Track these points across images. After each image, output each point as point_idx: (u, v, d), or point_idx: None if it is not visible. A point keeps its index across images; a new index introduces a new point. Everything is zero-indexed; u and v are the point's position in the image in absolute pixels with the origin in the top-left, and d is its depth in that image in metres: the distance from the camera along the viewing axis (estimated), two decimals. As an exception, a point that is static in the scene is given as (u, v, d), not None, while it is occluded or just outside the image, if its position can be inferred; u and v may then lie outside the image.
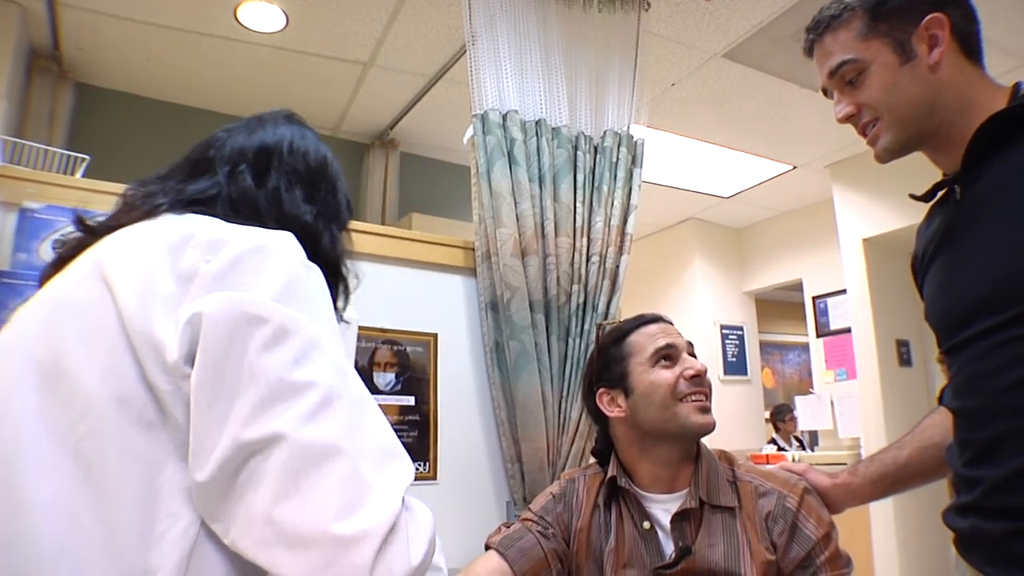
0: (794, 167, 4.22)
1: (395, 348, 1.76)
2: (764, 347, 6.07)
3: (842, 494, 1.14)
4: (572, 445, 1.80)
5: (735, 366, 5.03)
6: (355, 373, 0.61)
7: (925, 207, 1.01)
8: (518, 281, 1.79)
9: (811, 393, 4.49)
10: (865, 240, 3.87)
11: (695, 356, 1.19)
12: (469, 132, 1.94)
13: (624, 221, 2.02)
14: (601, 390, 1.20)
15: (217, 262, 0.59)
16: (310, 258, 0.65)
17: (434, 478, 1.74)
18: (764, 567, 1.04)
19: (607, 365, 1.21)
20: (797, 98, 3.35)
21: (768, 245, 5.16)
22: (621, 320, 1.31)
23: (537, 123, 1.95)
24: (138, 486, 0.55)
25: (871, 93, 0.92)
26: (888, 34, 0.91)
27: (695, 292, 5.08)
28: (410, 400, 1.76)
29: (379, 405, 0.61)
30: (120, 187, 0.77)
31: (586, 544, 1.15)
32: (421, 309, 1.83)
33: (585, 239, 1.94)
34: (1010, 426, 0.81)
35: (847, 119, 0.97)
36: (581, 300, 1.90)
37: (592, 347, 1.34)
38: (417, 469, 1.71)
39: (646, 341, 1.18)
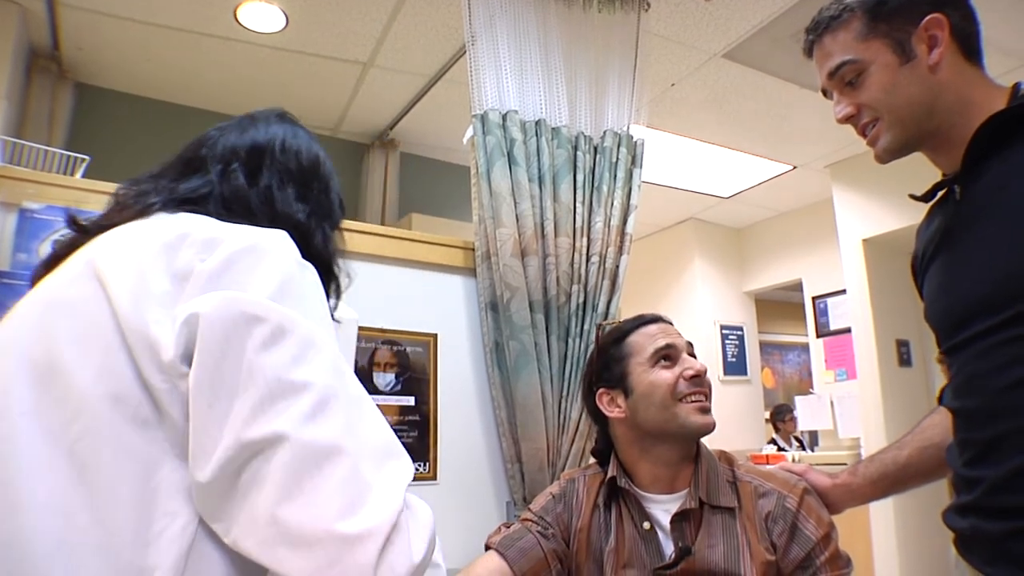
0: (794, 167, 4.22)
1: (395, 348, 1.76)
2: (764, 347, 6.07)
3: (842, 494, 1.14)
4: (572, 445, 1.80)
5: (735, 366, 5.03)
6: (351, 371, 0.61)
7: (925, 207, 1.01)
8: (518, 281, 1.79)
9: (811, 393, 4.49)
10: (865, 240, 3.88)
11: (695, 356, 1.19)
12: (469, 132, 1.94)
13: (624, 221, 2.02)
14: (601, 390, 1.20)
15: (212, 261, 0.59)
16: (303, 257, 0.66)
17: (434, 478, 1.74)
18: (764, 567, 1.04)
19: (607, 365, 1.21)
20: (797, 98, 3.35)
21: (768, 245, 5.16)
22: (621, 320, 1.31)
23: (537, 123, 1.95)
24: (133, 485, 0.55)
25: (871, 94, 0.93)
26: (888, 35, 0.91)
27: (695, 292, 5.09)
28: (410, 400, 1.76)
29: (379, 405, 0.62)
30: (119, 187, 0.77)
31: (586, 544, 1.15)
32: (421, 309, 1.83)
33: (585, 239, 1.94)
34: (1010, 426, 0.81)
35: (847, 120, 0.97)
36: (581, 300, 1.90)
37: (592, 347, 1.34)
38: (417, 469, 1.71)
39: (646, 341, 1.18)
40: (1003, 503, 0.82)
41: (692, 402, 1.13)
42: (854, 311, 3.88)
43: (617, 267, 1.97)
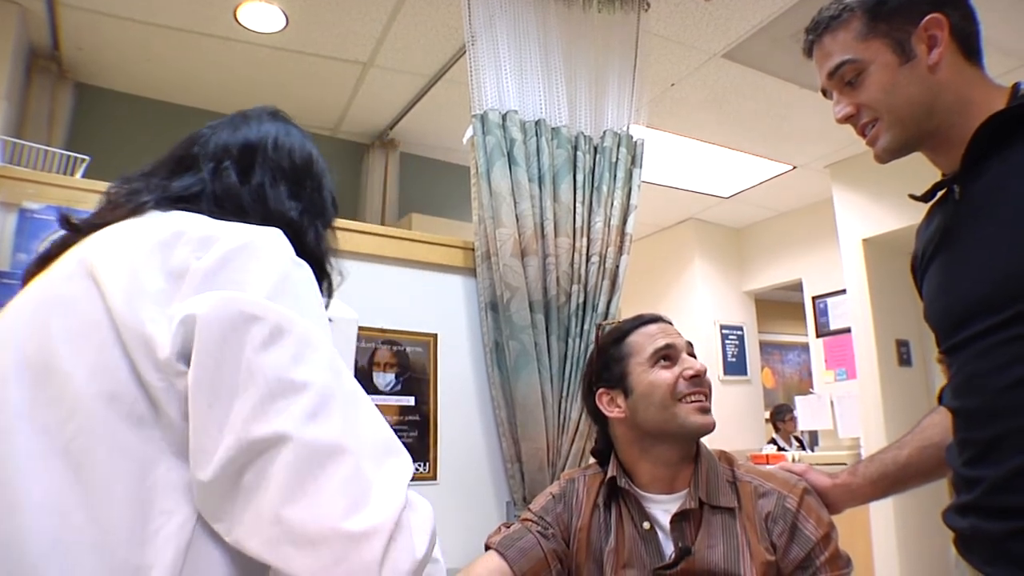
0: (794, 167, 4.22)
1: (395, 348, 1.76)
2: (764, 347, 6.07)
3: (842, 494, 1.14)
4: (572, 445, 1.80)
5: (735, 366, 5.03)
6: (347, 369, 0.62)
7: (924, 207, 1.01)
8: (518, 281, 1.79)
9: (811, 393, 4.49)
10: (865, 240, 3.88)
11: (695, 356, 1.18)
12: (469, 132, 1.94)
13: (624, 221, 2.02)
14: (600, 390, 1.20)
15: (208, 259, 0.59)
16: (296, 255, 0.66)
17: (434, 478, 1.74)
18: (764, 568, 1.04)
19: (606, 365, 1.21)
20: (797, 98, 3.35)
21: (768, 245, 5.16)
22: (620, 320, 1.31)
23: (537, 123, 1.95)
24: (129, 483, 0.55)
25: (870, 93, 0.93)
26: (887, 34, 0.91)
27: (695, 292, 5.08)
28: (410, 400, 1.76)
29: (379, 405, 0.62)
30: (120, 187, 0.77)
31: (586, 544, 1.15)
32: (421, 309, 1.83)
33: (585, 239, 1.94)
34: (1010, 425, 0.81)
35: (846, 119, 0.97)
36: (581, 300, 1.90)
37: (592, 347, 1.34)
38: (417, 469, 1.71)
39: (645, 341, 1.18)
40: (1003, 503, 0.82)
41: (692, 402, 1.12)
42: (854, 311, 3.89)
43: (617, 267, 1.97)
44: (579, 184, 1.96)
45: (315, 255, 0.74)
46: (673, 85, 3.23)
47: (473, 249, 1.91)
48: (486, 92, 1.91)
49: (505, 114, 1.91)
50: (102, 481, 0.55)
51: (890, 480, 1.12)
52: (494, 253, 1.82)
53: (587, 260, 1.93)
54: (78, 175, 1.86)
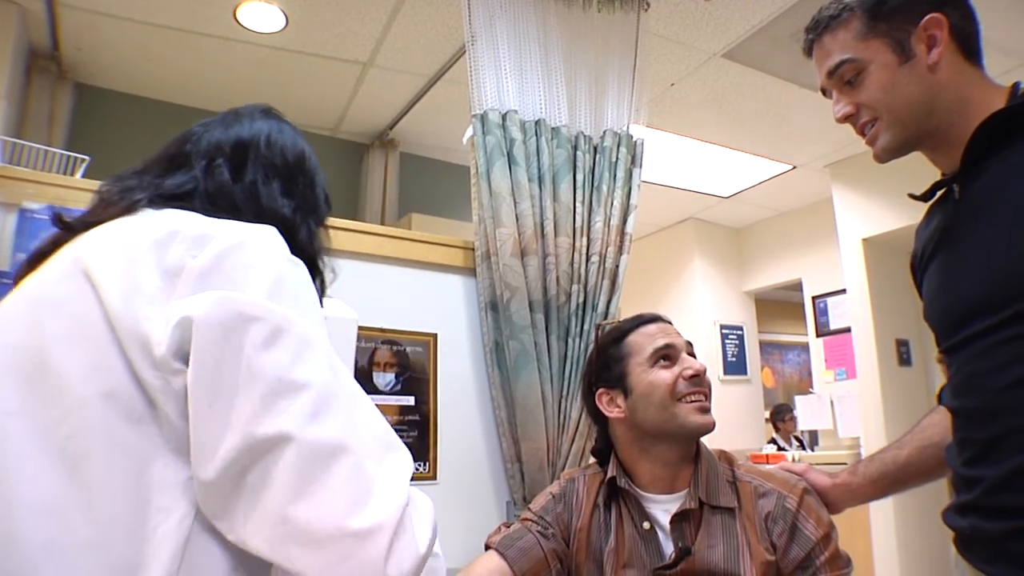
0: (793, 167, 4.22)
1: (395, 348, 1.76)
2: (764, 347, 6.07)
3: (842, 494, 1.14)
4: (572, 445, 1.80)
5: (735, 366, 5.03)
6: (344, 368, 0.62)
7: (924, 207, 1.01)
8: (518, 281, 1.79)
9: (811, 393, 4.49)
10: (865, 240, 3.88)
11: (694, 356, 1.18)
12: (469, 132, 1.94)
13: (624, 221, 2.02)
14: (600, 390, 1.20)
15: (203, 257, 0.60)
16: (289, 252, 0.66)
17: (434, 478, 1.74)
18: (764, 568, 1.04)
19: (606, 365, 1.21)
20: (796, 98, 3.35)
21: (768, 245, 5.16)
22: (620, 320, 1.31)
23: (536, 123, 1.95)
24: (127, 482, 0.55)
25: (870, 93, 0.93)
26: (887, 34, 0.91)
27: (695, 292, 5.09)
28: (410, 400, 1.76)
29: (379, 405, 0.62)
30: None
31: (586, 544, 1.15)
32: (421, 309, 1.83)
33: (585, 239, 1.94)
34: (1009, 425, 0.81)
35: (846, 119, 0.97)
36: (581, 300, 1.90)
37: (591, 347, 1.34)
38: (417, 469, 1.71)
39: (645, 341, 1.18)
40: (1003, 502, 0.82)
41: (691, 402, 1.12)
42: (854, 311, 3.89)
43: (617, 267, 1.97)
44: (579, 184, 1.96)
45: (308, 252, 0.74)
46: (673, 85, 3.23)
47: (473, 249, 1.91)
48: (486, 92, 1.91)
49: (505, 114, 1.91)
50: (99, 480, 0.55)
51: (890, 480, 1.12)
52: (494, 253, 1.82)
53: (587, 260, 1.93)
54: (78, 175, 1.86)
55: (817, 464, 1.31)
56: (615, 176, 2.03)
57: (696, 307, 5.03)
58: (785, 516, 1.08)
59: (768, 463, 2.26)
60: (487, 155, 1.87)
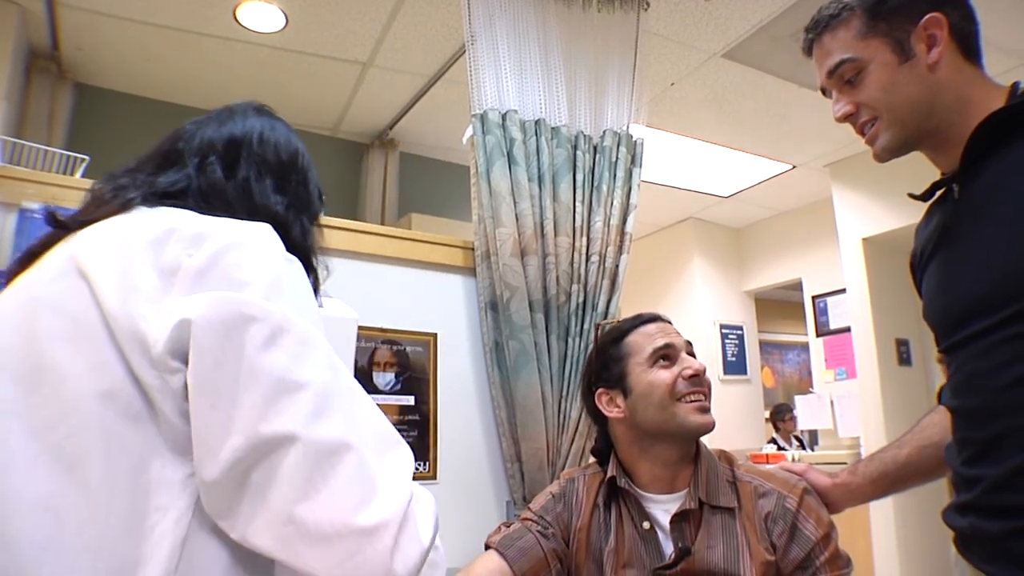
0: (793, 166, 4.22)
1: (395, 348, 1.76)
2: (764, 347, 6.07)
3: (842, 494, 1.14)
4: (572, 445, 1.80)
5: (735, 366, 5.03)
6: (343, 366, 0.62)
7: (924, 206, 1.01)
8: (517, 281, 1.79)
9: (811, 392, 4.49)
10: (864, 239, 3.88)
11: (694, 355, 1.18)
12: (468, 132, 1.94)
13: (623, 220, 2.02)
14: (600, 390, 1.20)
15: (200, 256, 0.60)
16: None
17: (434, 478, 1.74)
18: (763, 568, 1.04)
19: (606, 365, 1.21)
20: (796, 97, 3.35)
21: (767, 244, 5.16)
22: (620, 320, 1.31)
23: (536, 123, 1.95)
24: (125, 481, 0.56)
25: (870, 92, 0.93)
26: (887, 33, 0.91)
27: (695, 292, 5.08)
28: (410, 400, 1.76)
29: (379, 405, 0.63)
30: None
31: (586, 544, 1.15)
32: (421, 309, 1.83)
33: (584, 239, 1.94)
34: (1010, 424, 0.81)
35: (845, 118, 0.97)
36: (581, 300, 1.90)
37: (591, 347, 1.34)
38: (417, 469, 1.71)
39: (644, 341, 1.18)
40: (1003, 502, 0.82)
41: (691, 402, 1.12)
42: (854, 310, 3.88)
43: (617, 266, 1.97)
44: (579, 183, 1.96)
45: (302, 249, 0.74)
46: (673, 84, 3.23)
47: (473, 249, 1.91)
48: (486, 92, 1.91)
49: (505, 114, 1.91)
50: (97, 479, 0.55)
51: (890, 479, 1.12)
52: (494, 253, 1.82)
53: (587, 259, 1.93)
54: (78, 175, 1.86)
55: (817, 464, 1.31)
56: (615, 176, 2.03)
57: (696, 307, 5.03)
58: (785, 516, 1.08)
59: (768, 463, 2.26)
60: (487, 155, 1.87)
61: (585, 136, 2.02)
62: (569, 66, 2.08)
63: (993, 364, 0.83)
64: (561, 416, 1.81)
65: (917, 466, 1.09)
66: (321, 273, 0.80)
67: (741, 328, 5.16)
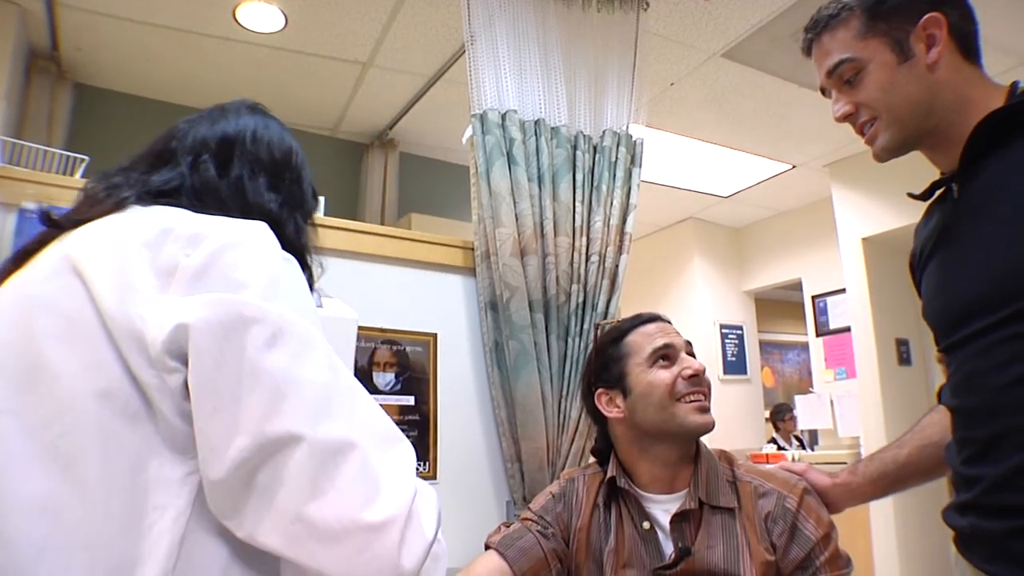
0: (793, 166, 4.22)
1: (395, 348, 1.76)
2: (764, 346, 6.07)
3: (842, 493, 1.14)
4: (572, 444, 1.81)
5: (735, 365, 5.03)
6: (342, 364, 0.62)
7: (924, 206, 1.01)
8: (517, 281, 1.79)
9: (811, 392, 4.49)
10: (864, 239, 3.88)
11: (694, 355, 1.18)
12: (468, 132, 1.94)
13: (623, 220, 2.02)
14: (600, 390, 1.20)
15: (197, 256, 0.59)
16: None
17: (434, 478, 1.74)
18: (763, 568, 1.04)
19: (605, 365, 1.21)
20: (796, 97, 3.35)
21: (767, 244, 5.16)
22: (619, 319, 1.31)
23: (536, 123, 1.95)
24: (123, 480, 0.56)
25: (869, 92, 0.93)
26: (886, 33, 0.91)
27: (694, 292, 5.08)
28: (410, 400, 1.76)
29: (379, 405, 0.63)
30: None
31: (586, 544, 1.15)
32: (421, 309, 1.83)
33: (584, 239, 1.94)
34: (1009, 423, 0.81)
35: (845, 118, 0.97)
36: (580, 300, 1.90)
37: (591, 347, 1.34)
38: (417, 469, 1.71)
39: (644, 341, 1.18)
40: (1003, 501, 0.82)
41: (691, 402, 1.12)
42: (854, 310, 3.88)
43: (616, 266, 1.97)
44: (578, 183, 1.96)
45: (296, 247, 0.74)
46: (672, 84, 3.23)
47: (473, 249, 1.91)
48: (485, 92, 1.91)
49: (504, 114, 1.91)
50: (94, 478, 0.55)
51: (890, 479, 1.12)
52: (494, 253, 1.82)
53: (587, 259, 1.93)
54: (77, 175, 1.86)
55: (817, 464, 1.31)
56: (615, 176, 2.03)
57: (696, 307, 5.03)
58: (785, 516, 1.08)
59: (768, 463, 2.26)
60: (486, 155, 1.87)
61: (585, 136, 2.02)
62: (569, 66, 2.08)
63: (992, 363, 0.83)
64: (561, 416, 1.81)
65: (917, 466, 1.09)
66: (315, 271, 0.80)
67: (741, 328, 5.16)
